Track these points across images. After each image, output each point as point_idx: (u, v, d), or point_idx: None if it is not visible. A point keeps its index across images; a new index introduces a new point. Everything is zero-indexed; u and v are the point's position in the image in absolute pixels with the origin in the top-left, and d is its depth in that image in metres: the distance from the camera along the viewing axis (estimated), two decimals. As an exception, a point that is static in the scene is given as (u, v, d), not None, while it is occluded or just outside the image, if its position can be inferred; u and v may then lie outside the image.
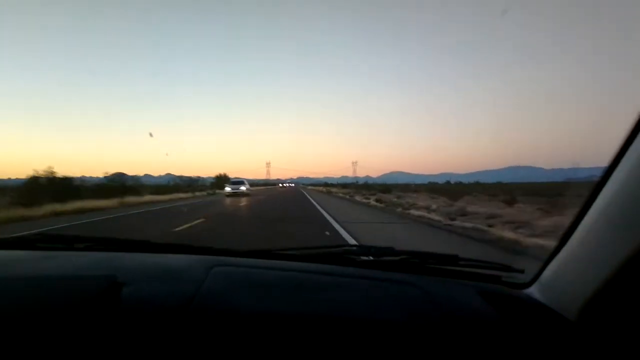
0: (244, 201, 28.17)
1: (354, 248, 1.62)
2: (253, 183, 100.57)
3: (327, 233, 10.24)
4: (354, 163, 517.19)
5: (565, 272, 1.15)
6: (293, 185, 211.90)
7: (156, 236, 9.87)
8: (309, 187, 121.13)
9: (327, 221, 13.48)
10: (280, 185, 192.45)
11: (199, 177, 65.34)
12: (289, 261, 1.52)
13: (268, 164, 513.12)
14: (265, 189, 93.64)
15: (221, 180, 68.17)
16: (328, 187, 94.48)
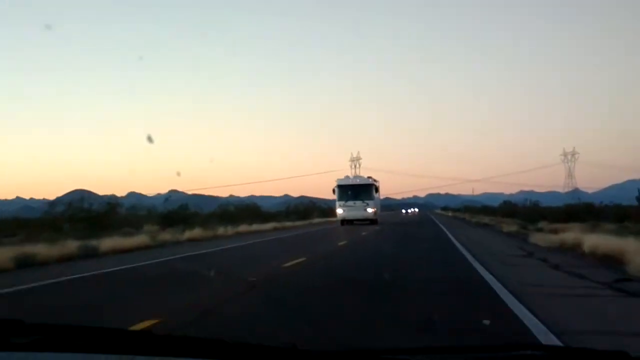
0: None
1: (547, 352, 1.04)
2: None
3: (486, 322, 5.40)
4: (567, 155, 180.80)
5: None
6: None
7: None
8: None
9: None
10: (405, 212, 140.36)
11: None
12: None
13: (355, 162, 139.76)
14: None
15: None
16: None
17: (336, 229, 28.03)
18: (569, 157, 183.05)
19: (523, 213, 37.71)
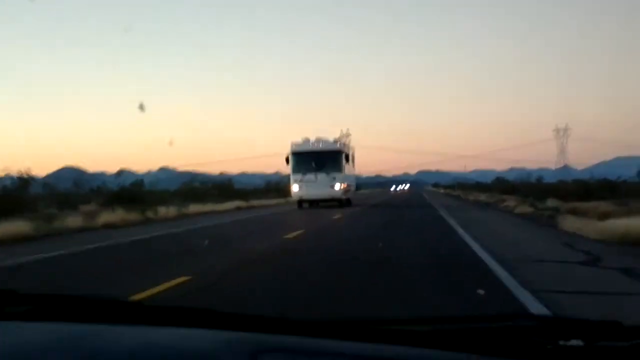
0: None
1: (541, 322, 1.03)
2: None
3: (481, 291, 5.37)
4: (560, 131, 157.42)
5: None
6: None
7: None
8: None
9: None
10: (393, 189, 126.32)
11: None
12: (409, 346, 0.90)
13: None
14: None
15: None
16: None
17: (300, 211, 22.17)
18: (562, 132, 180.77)
19: (524, 189, 33.87)
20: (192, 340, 0.97)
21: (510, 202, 24.55)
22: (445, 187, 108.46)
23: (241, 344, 0.92)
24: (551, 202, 22.16)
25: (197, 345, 0.95)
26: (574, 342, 0.92)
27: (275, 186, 45.59)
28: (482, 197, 35.59)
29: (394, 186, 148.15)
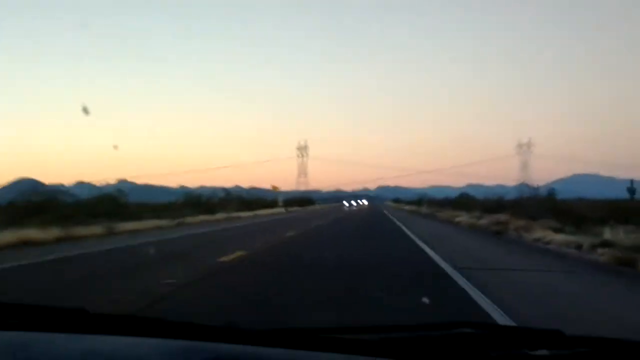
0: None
1: (484, 330, 1.07)
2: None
3: (426, 300, 5.47)
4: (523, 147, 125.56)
5: None
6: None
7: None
8: None
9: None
10: (348, 205, 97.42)
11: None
12: (358, 355, 0.92)
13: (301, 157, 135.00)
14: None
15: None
16: None
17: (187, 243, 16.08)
18: (524, 148, 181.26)
19: (527, 207, 26.29)
20: (138, 348, 0.94)
21: (526, 228, 17.56)
22: (409, 202, 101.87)
23: (189, 353, 0.91)
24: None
25: (143, 353, 0.92)
26: (517, 351, 0.96)
27: (196, 200, 40.00)
28: (463, 217, 28.86)
29: (346, 202, 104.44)
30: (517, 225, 17.94)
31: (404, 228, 22.64)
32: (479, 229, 21.65)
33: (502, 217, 21.52)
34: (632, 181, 35.28)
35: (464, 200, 58.21)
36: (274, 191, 63.31)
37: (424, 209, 46.18)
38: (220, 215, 33.44)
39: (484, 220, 23.20)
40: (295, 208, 67.81)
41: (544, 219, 18.29)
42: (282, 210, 55.94)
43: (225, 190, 54.72)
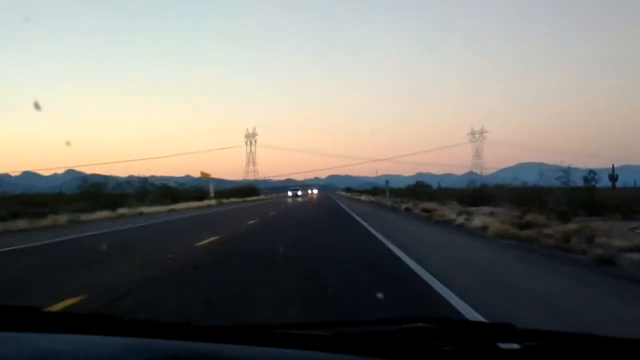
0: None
1: (438, 325, 1.07)
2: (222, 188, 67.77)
3: (380, 295, 5.33)
4: (476, 134, 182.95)
5: None
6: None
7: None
8: None
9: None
10: (292, 195, 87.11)
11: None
12: (313, 350, 0.94)
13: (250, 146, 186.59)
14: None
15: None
16: None
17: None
18: (477, 136, 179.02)
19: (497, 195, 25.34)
20: (89, 346, 0.92)
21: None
22: (362, 191, 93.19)
23: (141, 351, 0.89)
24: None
25: (94, 351, 0.90)
26: (469, 344, 0.96)
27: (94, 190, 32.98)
28: (446, 210, 21.00)
29: (293, 191, 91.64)
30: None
31: (369, 227, 14.67)
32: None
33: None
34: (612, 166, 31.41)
35: (421, 189, 51.45)
36: (204, 179, 53.69)
37: (387, 201, 37.86)
38: (105, 214, 24.03)
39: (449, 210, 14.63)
40: (232, 199, 58.71)
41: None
42: (212, 202, 46.63)
43: (143, 179, 44.72)
